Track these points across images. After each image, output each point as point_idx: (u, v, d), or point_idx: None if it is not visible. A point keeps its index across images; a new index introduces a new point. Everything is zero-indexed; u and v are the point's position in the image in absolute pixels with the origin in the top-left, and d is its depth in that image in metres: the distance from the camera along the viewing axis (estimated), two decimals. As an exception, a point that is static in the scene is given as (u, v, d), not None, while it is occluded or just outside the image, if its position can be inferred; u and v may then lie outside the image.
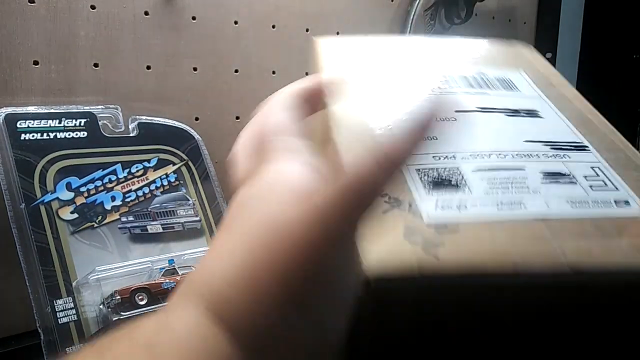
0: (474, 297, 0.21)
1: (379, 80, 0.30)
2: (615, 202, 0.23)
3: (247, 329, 0.19)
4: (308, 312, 0.19)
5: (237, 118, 0.71)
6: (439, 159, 0.24)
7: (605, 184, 0.24)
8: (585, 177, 0.24)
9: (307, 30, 0.75)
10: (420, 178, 0.23)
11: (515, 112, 0.28)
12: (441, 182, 0.23)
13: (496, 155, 0.25)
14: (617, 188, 0.24)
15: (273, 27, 0.72)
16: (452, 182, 0.23)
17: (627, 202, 0.23)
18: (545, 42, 1.06)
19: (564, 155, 0.25)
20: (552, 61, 1.06)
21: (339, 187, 0.19)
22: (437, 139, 0.25)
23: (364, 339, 0.21)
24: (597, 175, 0.25)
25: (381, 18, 0.84)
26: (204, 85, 0.68)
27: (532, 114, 0.29)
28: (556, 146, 0.26)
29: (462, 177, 0.24)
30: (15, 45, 0.55)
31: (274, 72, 0.73)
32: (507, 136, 0.26)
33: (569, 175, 0.24)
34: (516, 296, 0.21)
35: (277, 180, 0.22)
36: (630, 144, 0.28)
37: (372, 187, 0.19)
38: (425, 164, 0.24)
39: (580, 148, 0.26)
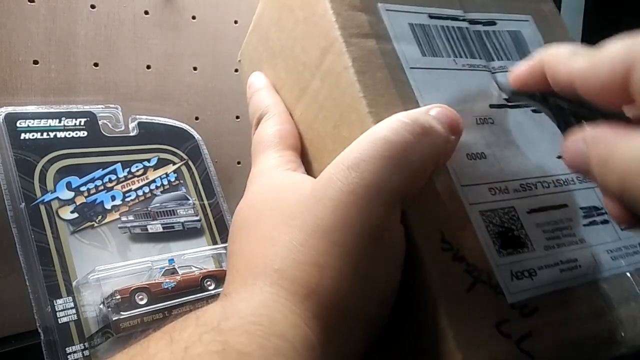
0: None
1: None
2: (637, 246, 0.27)
3: (317, 299, 0.20)
4: (369, 281, 0.20)
5: (237, 118, 0.71)
6: (495, 193, 0.25)
7: None
8: None
9: (307, 29, 0.75)
10: (487, 227, 0.24)
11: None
12: (506, 235, 0.24)
13: (541, 185, 0.26)
14: None
15: (273, 26, 0.72)
16: (515, 234, 0.24)
17: None
18: (545, 41, 1.06)
19: None
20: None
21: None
22: (485, 156, 0.26)
23: None
24: None
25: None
26: (204, 85, 0.68)
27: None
28: None
29: (521, 224, 0.25)
30: (15, 45, 0.55)
31: (274, 72, 0.73)
32: (541, 150, 0.27)
33: (601, 210, 0.27)
34: None
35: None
36: None
37: (402, 148, 0.21)
38: (485, 203, 0.24)
39: None
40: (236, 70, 0.69)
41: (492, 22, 0.31)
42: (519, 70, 0.24)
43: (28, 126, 0.53)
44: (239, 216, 0.25)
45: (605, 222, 0.27)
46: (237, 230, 0.24)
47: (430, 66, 0.27)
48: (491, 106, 0.27)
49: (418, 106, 0.25)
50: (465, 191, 0.24)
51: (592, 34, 1.08)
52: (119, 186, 0.56)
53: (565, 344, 0.22)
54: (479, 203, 0.24)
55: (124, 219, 0.55)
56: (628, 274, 0.26)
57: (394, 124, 0.22)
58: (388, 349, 0.24)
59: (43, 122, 0.54)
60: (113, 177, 0.56)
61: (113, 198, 0.55)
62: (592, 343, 0.23)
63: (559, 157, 0.28)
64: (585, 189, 0.27)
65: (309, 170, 0.28)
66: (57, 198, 0.52)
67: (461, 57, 0.28)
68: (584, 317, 0.23)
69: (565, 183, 0.27)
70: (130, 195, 0.57)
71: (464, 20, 0.30)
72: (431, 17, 0.29)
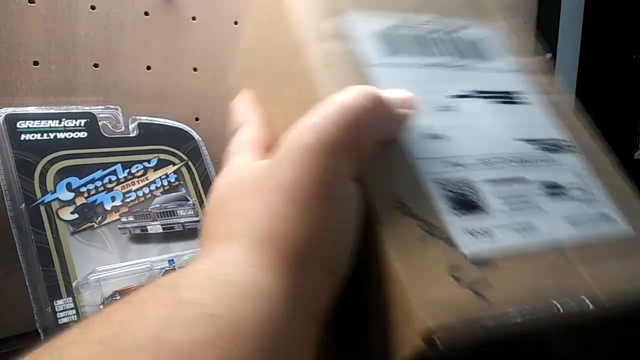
0: (517, 339, 0.22)
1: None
2: (603, 216, 0.27)
3: (271, 247, 0.21)
4: (326, 228, 0.22)
5: (237, 118, 0.71)
6: (449, 166, 0.26)
7: (593, 194, 0.28)
8: (575, 188, 0.28)
9: (307, 30, 0.75)
10: (441, 193, 0.25)
11: (498, 97, 0.31)
12: (461, 200, 0.25)
13: (498, 161, 0.27)
14: (600, 201, 0.27)
15: (273, 27, 0.72)
16: (472, 199, 0.25)
17: (612, 219, 0.27)
18: (545, 42, 1.06)
19: (551, 159, 0.28)
20: (552, 61, 1.06)
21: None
22: (442, 137, 0.27)
23: None
24: (583, 184, 0.28)
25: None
26: (204, 85, 0.68)
27: (513, 98, 0.31)
28: (543, 146, 0.29)
29: (477, 191, 0.25)
30: (15, 45, 0.55)
31: (274, 72, 0.73)
32: (500, 133, 0.29)
33: (563, 187, 0.27)
34: (555, 331, 0.22)
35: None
36: (590, 132, 0.31)
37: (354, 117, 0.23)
38: (440, 173, 0.25)
39: (563, 149, 0.29)
40: (236, 71, 0.70)
41: (462, 28, 0.33)
42: None
43: (28, 127, 0.53)
44: (207, 209, 0.26)
45: (565, 195, 0.27)
46: (204, 219, 0.26)
47: (394, 63, 0.29)
48: (453, 96, 0.29)
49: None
50: (420, 163, 0.25)
51: (592, 34, 1.08)
52: (119, 187, 0.56)
53: (524, 291, 0.22)
54: (434, 172, 0.25)
55: (124, 219, 0.55)
56: (592, 239, 0.25)
57: (349, 92, 0.24)
58: (348, 314, 0.25)
59: (43, 123, 0.54)
60: (113, 178, 0.56)
61: (113, 199, 0.56)
62: (554, 295, 0.22)
63: (519, 139, 0.28)
64: (546, 166, 0.28)
65: None
66: (57, 199, 0.52)
67: (427, 55, 0.30)
68: (544, 272, 0.23)
69: (524, 161, 0.27)
70: (130, 196, 0.57)
71: (433, 24, 0.32)
72: (399, 22, 0.31)
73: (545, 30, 1.06)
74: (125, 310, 0.18)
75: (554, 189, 0.27)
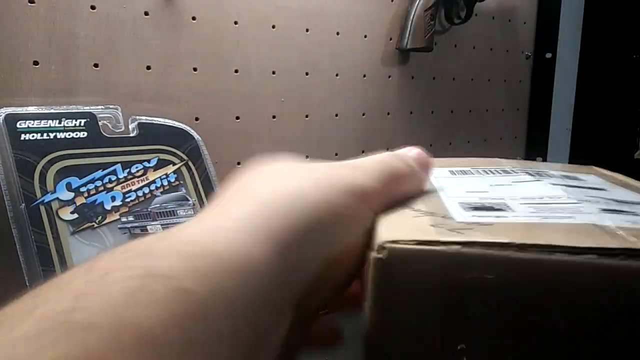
0: (504, 283, 0.17)
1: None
2: None
3: (287, 225, 0.19)
4: (334, 216, 0.21)
5: (237, 118, 0.71)
6: (486, 199, 0.23)
7: None
8: None
9: (307, 30, 0.75)
10: (460, 205, 0.22)
11: (577, 183, 0.27)
12: (482, 206, 0.22)
13: (549, 197, 0.23)
14: None
15: (273, 27, 0.72)
16: (494, 207, 0.21)
17: None
18: (545, 42, 1.06)
19: (629, 207, 0.22)
20: (552, 61, 1.06)
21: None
22: (487, 191, 0.25)
23: (376, 332, 0.18)
24: None
25: (381, 18, 0.84)
26: (204, 85, 0.68)
27: (596, 188, 0.27)
28: (620, 200, 0.23)
29: (507, 205, 0.22)
30: (15, 45, 0.55)
31: (274, 72, 0.73)
32: (566, 189, 0.25)
33: (632, 212, 0.21)
34: (555, 290, 0.16)
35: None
36: None
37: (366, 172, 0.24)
38: (470, 203, 0.23)
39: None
40: (236, 71, 0.69)
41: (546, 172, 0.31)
42: None
43: (28, 127, 0.53)
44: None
45: (636, 215, 0.20)
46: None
47: (457, 177, 0.29)
48: (515, 182, 0.28)
49: (439, 196, 0.26)
50: (450, 198, 0.24)
51: (592, 34, 1.08)
52: (119, 187, 0.56)
53: (521, 233, 0.18)
54: (463, 200, 0.23)
55: (124, 219, 0.55)
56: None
57: (390, 153, 0.27)
58: None
59: (43, 123, 0.54)
60: (113, 177, 0.56)
61: (113, 199, 0.55)
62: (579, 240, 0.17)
63: (588, 195, 0.24)
64: (615, 205, 0.22)
65: None
66: (57, 199, 0.52)
67: (492, 174, 0.30)
68: (564, 231, 0.18)
69: (588, 200, 0.23)
70: (130, 196, 0.57)
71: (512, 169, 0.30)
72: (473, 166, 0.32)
73: (545, 30, 1.06)
74: (83, 280, 0.16)
75: (617, 211, 0.21)
